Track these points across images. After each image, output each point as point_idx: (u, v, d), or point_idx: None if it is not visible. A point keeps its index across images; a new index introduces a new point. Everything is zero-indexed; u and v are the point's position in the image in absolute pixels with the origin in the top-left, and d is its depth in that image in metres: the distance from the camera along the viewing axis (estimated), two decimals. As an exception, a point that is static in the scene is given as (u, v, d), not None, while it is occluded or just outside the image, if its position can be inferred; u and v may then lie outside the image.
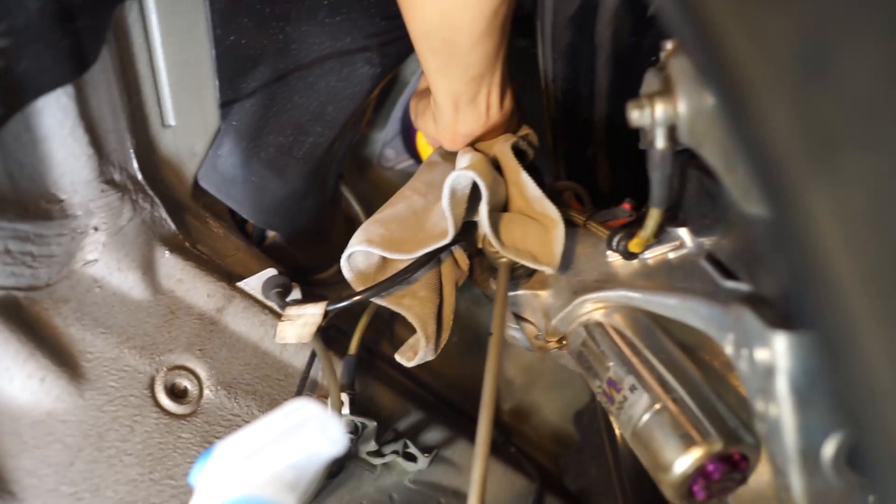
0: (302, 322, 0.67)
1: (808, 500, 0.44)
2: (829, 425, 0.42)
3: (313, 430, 0.41)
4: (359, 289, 0.67)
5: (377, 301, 0.67)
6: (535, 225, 0.65)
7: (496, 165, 0.68)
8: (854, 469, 0.43)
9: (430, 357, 0.67)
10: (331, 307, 0.67)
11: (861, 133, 0.14)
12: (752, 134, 0.17)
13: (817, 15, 0.16)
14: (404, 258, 0.65)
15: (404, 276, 0.66)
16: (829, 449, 0.43)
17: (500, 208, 0.68)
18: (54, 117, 0.58)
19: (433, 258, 0.67)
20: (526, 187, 0.66)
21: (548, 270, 0.63)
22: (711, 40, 0.19)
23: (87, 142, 0.61)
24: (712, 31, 0.19)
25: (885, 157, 0.14)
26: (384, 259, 0.69)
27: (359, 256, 0.68)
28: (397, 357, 0.67)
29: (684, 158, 0.57)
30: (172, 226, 0.71)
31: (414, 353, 0.67)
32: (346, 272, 0.67)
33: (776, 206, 0.17)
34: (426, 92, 0.75)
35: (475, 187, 0.63)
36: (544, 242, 0.63)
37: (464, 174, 0.62)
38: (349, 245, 0.66)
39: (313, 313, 0.67)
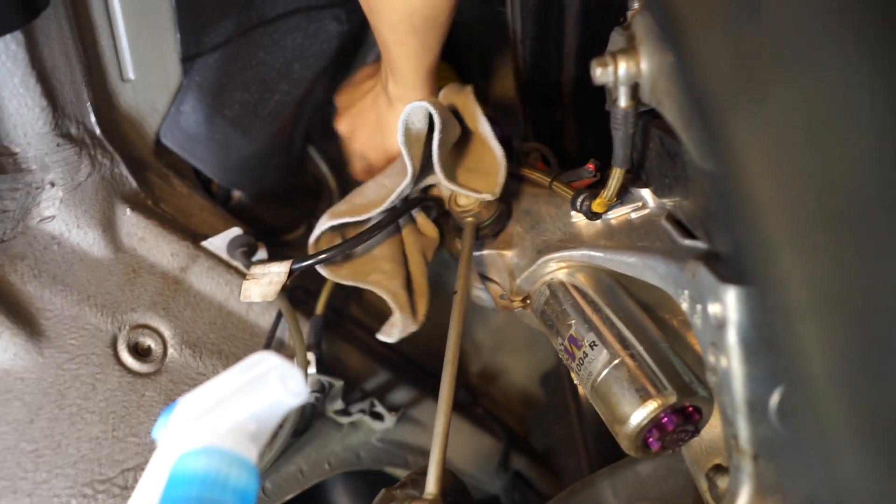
0: (267, 280, 0.66)
1: (754, 448, 0.46)
2: (775, 377, 0.44)
3: (274, 382, 0.41)
4: (332, 276, 0.67)
5: (343, 282, 0.67)
6: (483, 174, 0.66)
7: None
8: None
9: (413, 328, 0.68)
10: (295, 266, 0.67)
11: (784, 68, 0.15)
12: (688, 70, 0.18)
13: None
14: (372, 215, 0.65)
15: (370, 234, 0.66)
16: (775, 399, 0.44)
17: (452, 155, 0.68)
18: (3, 65, 0.56)
19: (400, 213, 0.67)
20: (479, 122, 0.66)
21: (487, 197, 0.64)
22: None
23: (40, 92, 0.59)
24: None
25: (805, 90, 0.14)
26: (346, 233, 0.69)
27: (325, 239, 0.68)
28: (380, 336, 0.68)
29: (647, 119, 0.57)
30: (134, 183, 0.70)
31: (392, 327, 0.67)
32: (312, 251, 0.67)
33: (710, 139, 0.17)
34: (358, 110, 0.74)
35: (429, 137, 0.64)
36: (488, 181, 0.65)
37: (417, 105, 0.62)
38: (317, 226, 0.67)
39: (278, 272, 0.66)
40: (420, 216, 0.71)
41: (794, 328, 0.16)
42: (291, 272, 0.67)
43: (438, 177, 0.64)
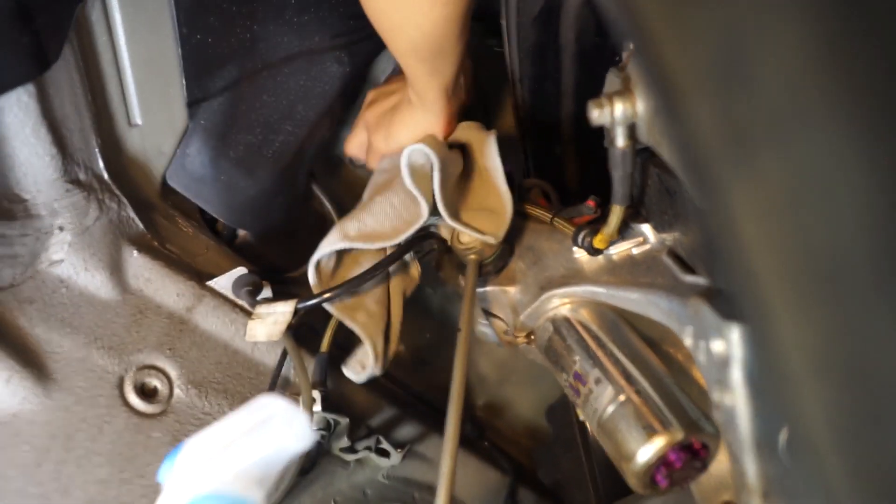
0: (272, 320, 0.67)
1: (763, 486, 0.45)
2: (782, 415, 0.44)
3: (280, 426, 0.41)
4: (317, 290, 0.67)
5: (332, 311, 0.68)
6: (487, 213, 0.67)
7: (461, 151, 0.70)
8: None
9: (378, 373, 0.70)
10: (300, 305, 0.67)
11: (773, 132, 0.15)
12: (680, 132, 0.18)
13: (737, 23, 0.17)
14: (385, 245, 0.66)
15: (374, 272, 0.66)
16: (783, 436, 0.44)
17: (455, 190, 0.69)
18: (15, 117, 0.58)
19: (405, 251, 0.68)
20: (490, 160, 0.68)
21: (490, 240, 0.65)
22: (646, 48, 0.20)
23: (51, 141, 0.60)
24: (646, 38, 0.20)
25: (794, 153, 0.15)
26: (342, 258, 0.69)
27: (323, 261, 0.69)
28: (345, 371, 0.70)
29: (645, 157, 0.58)
30: (140, 225, 0.71)
31: (362, 368, 0.69)
32: (311, 274, 0.68)
33: (704, 197, 0.18)
34: (385, 116, 0.77)
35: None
36: (492, 221, 0.66)
37: (415, 148, 0.64)
38: (324, 244, 0.67)
39: (283, 311, 0.67)
40: (410, 256, 0.72)
41: (789, 385, 0.16)
42: (296, 311, 0.67)
43: (443, 216, 0.65)
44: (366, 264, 0.68)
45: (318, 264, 0.68)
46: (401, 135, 0.74)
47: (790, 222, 0.15)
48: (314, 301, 0.67)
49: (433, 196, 0.65)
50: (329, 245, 0.67)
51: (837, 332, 0.15)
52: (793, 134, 0.16)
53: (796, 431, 0.18)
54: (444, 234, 0.70)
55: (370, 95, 0.85)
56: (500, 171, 0.68)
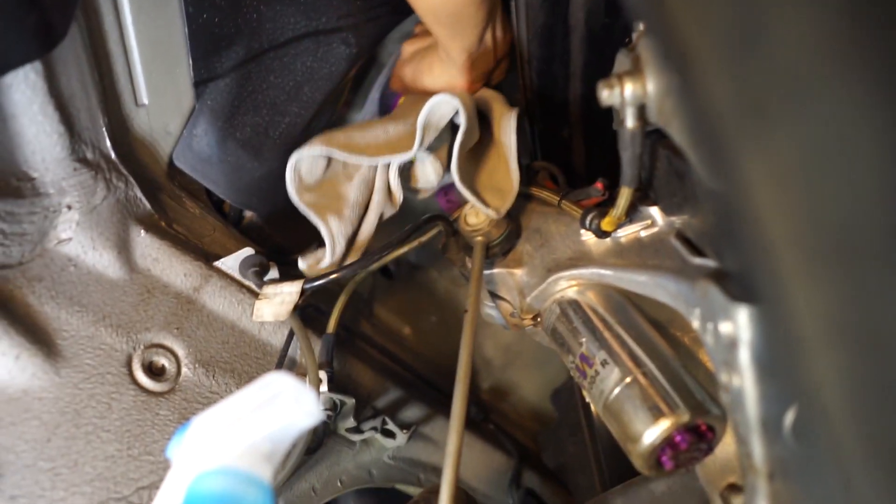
0: (279, 300, 0.67)
1: (769, 467, 0.45)
2: (790, 395, 0.44)
3: (288, 402, 0.41)
4: (296, 197, 0.68)
5: (302, 206, 0.68)
6: (494, 191, 0.67)
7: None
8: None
9: (328, 268, 0.70)
10: (307, 285, 0.67)
11: (790, 100, 0.15)
12: (694, 105, 0.18)
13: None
14: (361, 161, 0.66)
15: (381, 253, 0.66)
16: (790, 417, 0.44)
17: (468, 157, 0.70)
18: (23, 94, 0.57)
19: (411, 232, 0.68)
20: (506, 135, 0.68)
21: (492, 214, 0.65)
22: (659, 20, 0.20)
23: (58, 119, 0.60)
24: (660, 9, 0.20)
25: (812, 121, 0.15)
26: (327, 168, 0.70)
27: (304, 164, 0.69)
28: (300, 261, 0.71)
29: (654, 138, 0.58)
30: (147, 205, 0.71)
31: (316, 263, 0.71)
32: (289, 177, 0.68)
33: (716, 165, 0.18)
34: (417, 55, 0.78)
35: (450, 140, 0.65)
36: (497, 196, 0.66)
37: (446, 99, 0.64)
38: (305, 147, 0.67)
39: (290, 291, 0.67)
40: (395, 180, 0.72)
41: (804, 357, 0.16)
42: (303, 291, 0.67)
43: (454, 177, 0.64)
44: (351, 187, 0.68)
45: (297, 168, 0.68)
46: (424, 78, 0.77)
47: (806, 191, 0.15)
48: (320, 281, 0.67)
49: (445, 156, 0.66)
50: (309, 149, 0.67)
51: (853, 300, 0.14)
52: (810, 102, 0.16)
53: (808, 403, 0.18)
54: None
55: (409, 40, 0.86)
56: (514, 149, 0.68)
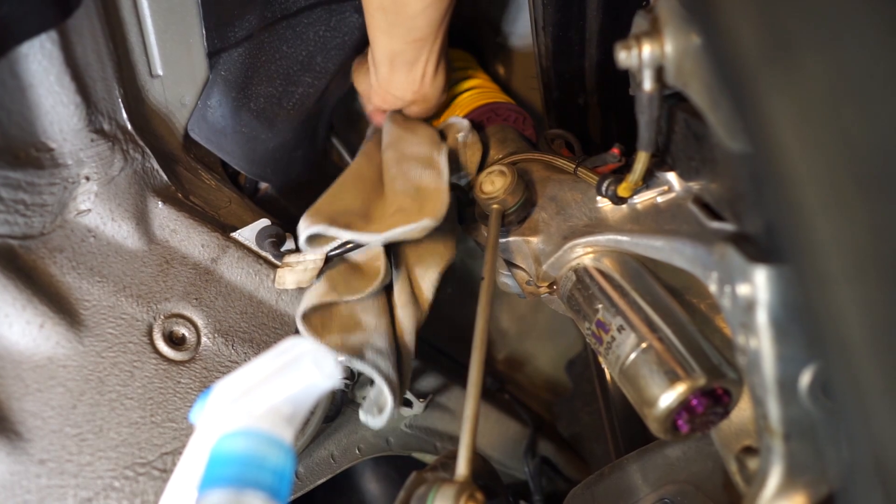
0: (301, 268, 0.68)
1: (784, 428, 0.46)
2: (806, 356, 0.44)
3: (308, 365, 0.42)
4: (304, 328, 0.63)
5: (336, 355, 0.62)
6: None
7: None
8: (829, 397, 0.44)
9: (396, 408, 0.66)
10: (332, 252, 0.67)
11: (816, 32, 0.15)
12: (719, 47, 0.18)
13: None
14: (374, 239, 0.62)
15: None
16: (805, 378, 0.44)
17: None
18: (39, 64, 0.58)
19: None
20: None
21: (429, 224, 0.61)
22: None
23: (75, 89, 0.61)
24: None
25: (837, 54, 0.14)
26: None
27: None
28: (361, 415, 0.67)
29: (672, 102, 0.57)
30: (164, 177, 0.71)
31: (379, 411, 0.66)
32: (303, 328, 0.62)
33: (740, 111, 0.17)
34: (366, 52, 0.77)
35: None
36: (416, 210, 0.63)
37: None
38: (300, 228, 0.62)
39: (313, 259, 0.67)
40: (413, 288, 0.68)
41: (831, 293, 0.16)
42: (327, 259, 0.68)
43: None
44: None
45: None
46: (362, 83, 0.78)
47: (834, 121, 0.15)
48: (343, 249, 0.67)
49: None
50: (308, 229, 0.62)
51: (881, 231, 0.14)
52: (837, 31, 0.16)
53: (831, 350, 0.18)
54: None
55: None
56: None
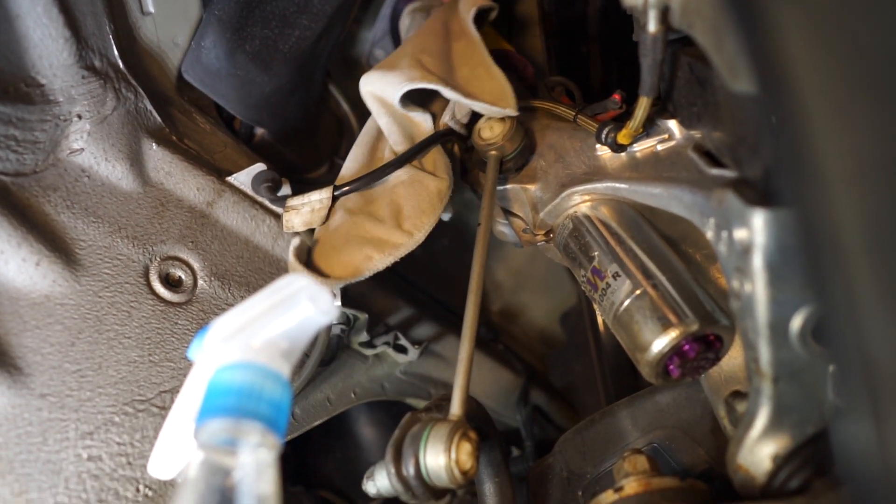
0: (308, 209, 0.67)
1: (774, 371, 0.46)
2: (798, 300, 0.44)
3: (304, 301, 0.42)
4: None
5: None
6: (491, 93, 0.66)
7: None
8: (818, 341, 0.45)
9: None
10: (338, 191, 0.67)
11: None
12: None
13: None
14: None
15: (394, 167, 0.66)
16: (796, 322, 0.45)
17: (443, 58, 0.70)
18: (26, -7, 0.56)
19: (422, 147, 0.67)
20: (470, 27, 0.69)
21: (510, 112, 0.64)
22: None
23: (63, 22, 0.59)
24: None
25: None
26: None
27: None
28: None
29: (675, 48, 0.56)
30: (158, 118, 0.70)
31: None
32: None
33: (746, 37, 0.17)
34: None
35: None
36: (500, 98, 0.65)
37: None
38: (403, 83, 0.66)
39: (319, 199, 0.67)
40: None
41: (832, 197, 0.16)
42: (335, 197, 0.67)
43: (455, 97, 0.64)
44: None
45: None
46: None
47: (838, 29, 0.15)
48: (350, 186, 0.67)
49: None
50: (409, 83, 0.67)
51: (884, 134, 0.14)
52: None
53: (829, 258, 0.18)
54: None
55: None
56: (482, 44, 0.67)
